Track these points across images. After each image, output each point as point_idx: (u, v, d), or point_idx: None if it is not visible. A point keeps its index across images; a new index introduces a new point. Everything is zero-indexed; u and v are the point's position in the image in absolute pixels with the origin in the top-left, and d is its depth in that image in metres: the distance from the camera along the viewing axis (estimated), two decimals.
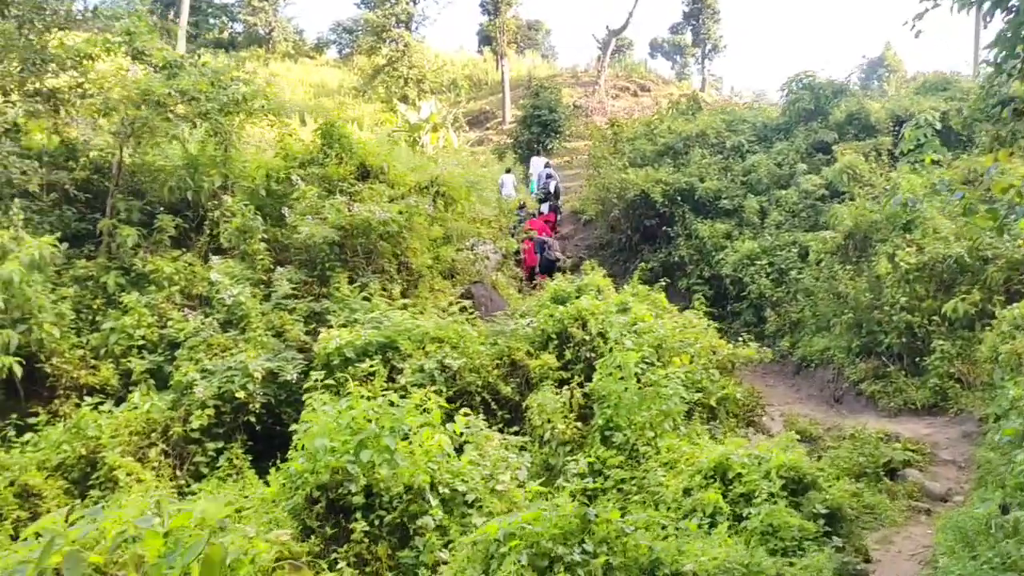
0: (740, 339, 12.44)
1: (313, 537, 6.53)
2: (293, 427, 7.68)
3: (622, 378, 9.39)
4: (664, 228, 18.14)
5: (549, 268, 17.49)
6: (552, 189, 20.46)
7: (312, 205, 12.67)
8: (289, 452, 7.46)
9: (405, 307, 12.78)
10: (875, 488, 9.67)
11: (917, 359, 12.10)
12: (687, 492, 7.75)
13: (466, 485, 7.05)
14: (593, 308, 11.52)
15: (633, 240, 19.09)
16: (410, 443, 7.64)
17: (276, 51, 39.98)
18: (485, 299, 14.57)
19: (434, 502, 6.57)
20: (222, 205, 12.63)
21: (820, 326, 14.31)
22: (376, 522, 6.72)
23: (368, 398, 7.72)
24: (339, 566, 6.34)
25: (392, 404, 7.42)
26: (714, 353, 12.32)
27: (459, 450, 8.85)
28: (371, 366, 10.66)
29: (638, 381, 9.41)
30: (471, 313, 12.86)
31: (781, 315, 15.20)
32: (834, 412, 12.65)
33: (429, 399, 10.33)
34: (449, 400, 10.79)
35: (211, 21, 42.06)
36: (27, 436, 9.57)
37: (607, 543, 5.02)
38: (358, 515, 6.67)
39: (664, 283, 15.09)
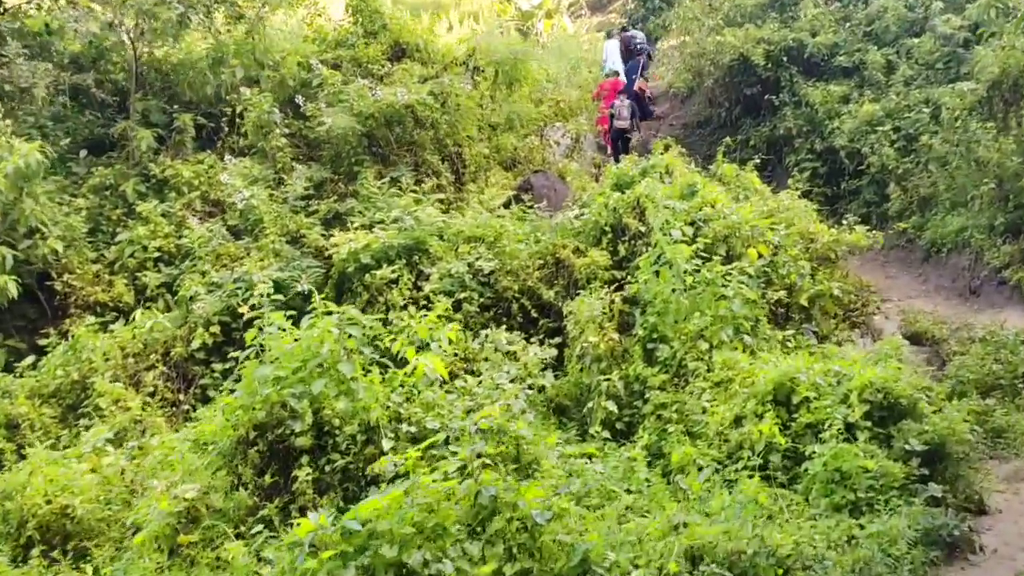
0: (844, 222, 10.23)
1: (243, 489, 5.39)
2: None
3: (672, 277, 7.64)
4: (768, 97, 15.55)
5: (621, 141, 15.43)
6: (642, 63, 18.12)
7: (336, 92, 11.26)
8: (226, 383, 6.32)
9: (443, 202, 11.47)
10: (1011, 406, 7.59)
11: None
12: (737, 422, 6.07)
13: (441, 420, 5.68)
14: (654, 194, 9.68)
15: (733, 114, 16.59)
16: (385, 370, 6.33)
17: None
18: (547, 190, 12.89)
19: (386, 445, 5.24)
20: (243, 99, 11.44)
21: (956, 201, 11.74)
22: (326, 468, 5.50)
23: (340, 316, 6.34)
24: (275, 523, 5.19)
25: (352, 322, 6.03)
26: (812, 241, 10.30)
27: (472, 374, 7.54)
28: (393, 271, 9.45)
29: (691, 280, 7.63)
30: (529, 206, 11.35)
31: (908, 190, 12.66)
32: (968, 307, 10.35)
33: (458, 308, 9.14)
34: (484, 308, 9.48)
35: None
36: (28, 361, 9.06)
37: (505, 540, 3.51)
38: (304, 460, 5.46)
39: (759, 161, 12.88)
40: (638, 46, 18.33)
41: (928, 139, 12.37)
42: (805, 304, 9.15)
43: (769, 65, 15.48)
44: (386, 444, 5.28)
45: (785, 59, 15.44)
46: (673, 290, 7.57)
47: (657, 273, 7.75)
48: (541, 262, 9.70)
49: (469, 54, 12.73)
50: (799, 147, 14.98)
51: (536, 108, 14.74)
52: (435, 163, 12.15)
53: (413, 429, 5.59)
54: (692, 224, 9.11)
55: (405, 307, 9.08)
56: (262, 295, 6.82)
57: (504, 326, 8.93)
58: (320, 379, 5.63)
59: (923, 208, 12.46)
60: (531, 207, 11.18)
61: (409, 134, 11.63)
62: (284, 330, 6.07)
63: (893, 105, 13.46)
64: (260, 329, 6.15)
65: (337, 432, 5.57)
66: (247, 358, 6.15)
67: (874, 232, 10.19)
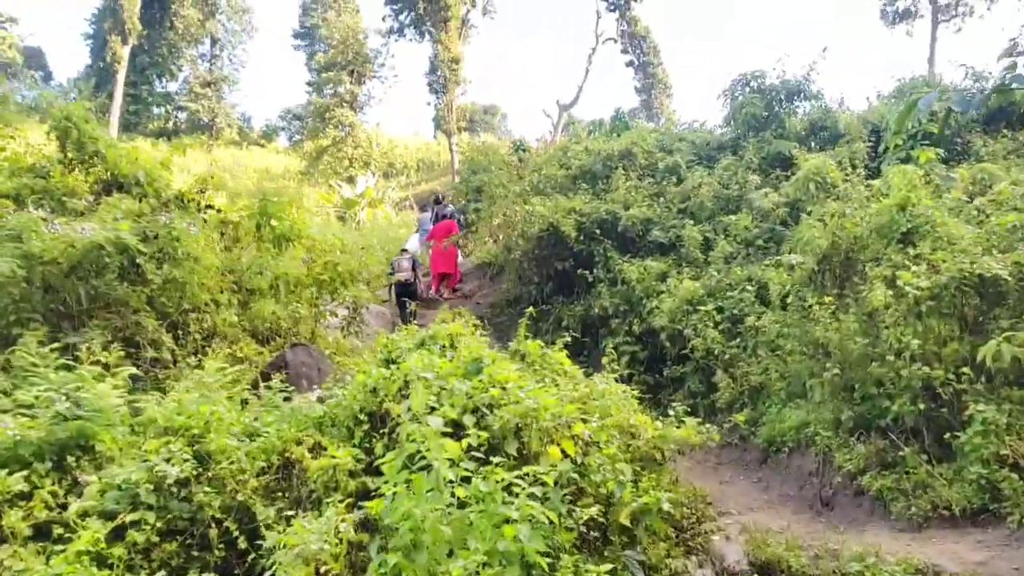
0: (671, 413, 8.22)
1: None
2: None
3: (430, 491, 5.06)
4: (582, 272, 14.06)
5: (406, 298, 13.92)
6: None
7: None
8: None
9: (153, 380, 8.60)
10: None
11: (945, 435, 7.97)
12: None
13: None
14: (428, 369, 7.32)
15: (545, 291, 14.96)
16: None
17: (220, 138, 40.18)
18: (308, 368, 10.30)
19: None
20: None
21: (792, 392, 10.18)
22: None
23: None
24: None
25: None
26: (633, 436, 8.21)
27: None
28: (28, 479, 6.32)
29: (461, 495, 5.10)
30: (283, 388, 8.66)
31: (737, 379, 11.05)
32: (824, 523, 8.37)
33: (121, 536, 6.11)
34: (167, 535, 6.45)
35: (155, 110, 42.02)
36: None
37: None
38: None
39: (571, 341, 11.04)
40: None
41: (754, 320, 10.98)
42: (627, 523, 6.82)
43: (581, 238, 14.14)
44: None
45: (598, 232, 14.16)
46: (433, 510, 4.97)
47: (409, 484, 5.15)
48: (264, 465, 6.90)
49: (200, 188, 10.22)
50: (616, 328, 13.38)
51: (307, 272, 12.39)
52: (151, 330, 9.27)
53: None
54: (475, 412, 6.73)
55: (34, 538, 5.98)
56: None
57: (194, 569, 6.00)
58: None
59: (755, 399, 10.84)
60: (285, 389, 8.53)
61: (112, 289, 8.77)
62: None
63: (714, 283, 12.17)
64: None
65: None
66: None
67: (708, 427, 8.22)
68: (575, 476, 6.37)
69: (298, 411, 7.27)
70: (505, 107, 67.89)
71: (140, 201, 9.00)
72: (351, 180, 33.34)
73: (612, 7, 49.79)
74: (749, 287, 11.65)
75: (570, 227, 13.94)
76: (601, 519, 6.73)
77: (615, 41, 51.58)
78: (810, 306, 9.48)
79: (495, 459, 5.45)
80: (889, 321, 8.62)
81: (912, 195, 9.27)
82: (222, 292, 11.25)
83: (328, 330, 12.61)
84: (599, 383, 8.72)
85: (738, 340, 11.42)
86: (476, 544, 4.86)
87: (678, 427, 8.24)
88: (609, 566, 5.86)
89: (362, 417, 7.17)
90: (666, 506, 6.84)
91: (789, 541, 7.57)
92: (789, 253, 10.67)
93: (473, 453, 5.54)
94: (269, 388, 8.45)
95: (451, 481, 5.17)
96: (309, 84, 41.75)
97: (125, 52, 37.41)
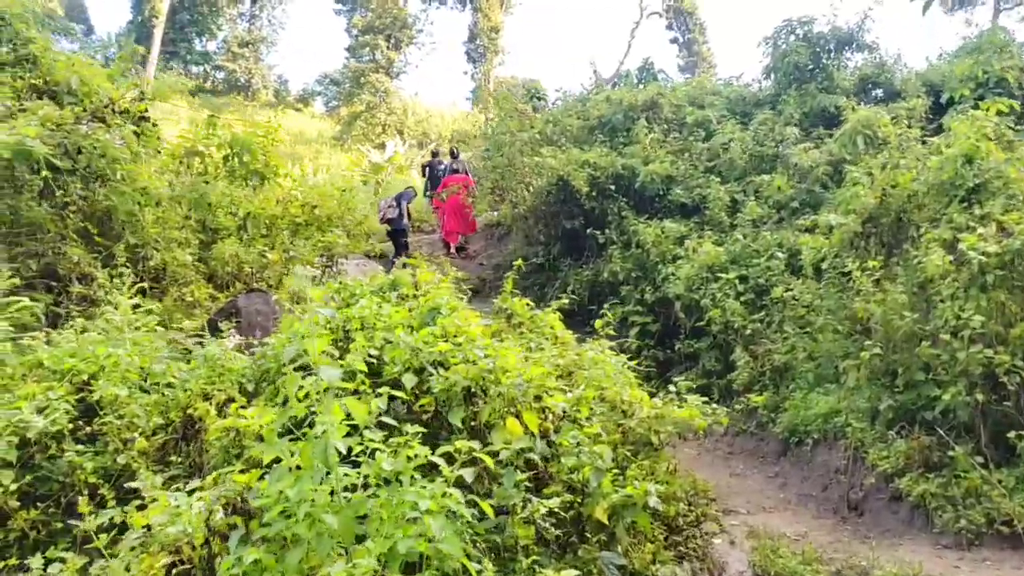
0: (672, 390, 6.89)
1: None
2: None
3: (316, 469, 3.77)
4: (592, 232, 12.67)
5: (394, 236, 13.16)
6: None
7: None
8: None
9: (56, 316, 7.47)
10: None
11: (1007, 433, 6.54)
12: None
13: None
14: (370, 319, 6.08)
15: (552, 252, 13.60)
16: None
17: (257, 99, 39.76)
18: (262, 317, 9.04)
19: None
20: None
21: (822, 375, 8.79)
22: None
23: None
24: None
25: None
26: (625, 414, 6.96)
27: None
28: None
29: (355, 477, 3.81)
30: (226, 333, 7.53)
31: (758, 357, 9.65)
32: (849, 531, 7.01)
33: None
34: (26, 501, 5.31)
35: (192, 69, 41.67)
36: None
37: None
38: None
39: (572, 307, 9.81)
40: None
41: (782, 291, 9.54)
42: (604, 520, 5.54)
43: (594, 194, 12.73)
44: None
45: (613, 188, 12.74)
46: (315, 494, 3.69)
47: (294, 454, 3.87)
48: (162, 423, 5.71)
49: (138, 98, 8.95)
50: (626, 295, 12.00)
51: (281, 214, 11.17)
52: (79, 263, 8.11)
53: None
54: (420, 371, 5.46)
55: None
56: None
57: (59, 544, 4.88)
58: None
59: (778, 381, 9.44)
60: (225, 334, 7.40)
61: (27, 209, 7.57)
62: None
63: (739, 249, 10.73)
64: None
65: None
66: None
67: (715, 408, 6.87)
68: (539, 458, 5.05)
69: (212, 359, 6.02)
70: (545, 81, 66.19)
71: (62, 108, 7.78)
72: (382, 147, 32.63)
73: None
74: (779, 254, 10.21)
75: (582, 181, 12.54)
76: (573, 513, 5.50)
77: (660, 15, 49.71)
78: (849, 274, 8.02)
79: (412, 430, 4.13)
80: (945, 293, 7.17)
81: (981, 146, 7.76)
82: (180, 228, 10.10)
83: (304, 280, 11.40)
84: (589, 351, 7.45)
85: (762, 313, 10.01)
86: (372, 542, 3.59)
87: (680, 406, 6.94)
88: (573, 572, 4.53)
89: (288, 371, 5.92)
90: (654, 501, 5.52)
91: (806, 551, 6.23)
92: (829, 215, 9.18)
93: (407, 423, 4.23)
94: (199, 335, 7.25)
95: (349, 456, 3.89)
96: (347, 49, 40.89)
97: (164, 7, 37.41)
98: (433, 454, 4.05)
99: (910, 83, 12.73)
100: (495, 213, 16.12)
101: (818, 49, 13.42)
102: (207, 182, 10.82)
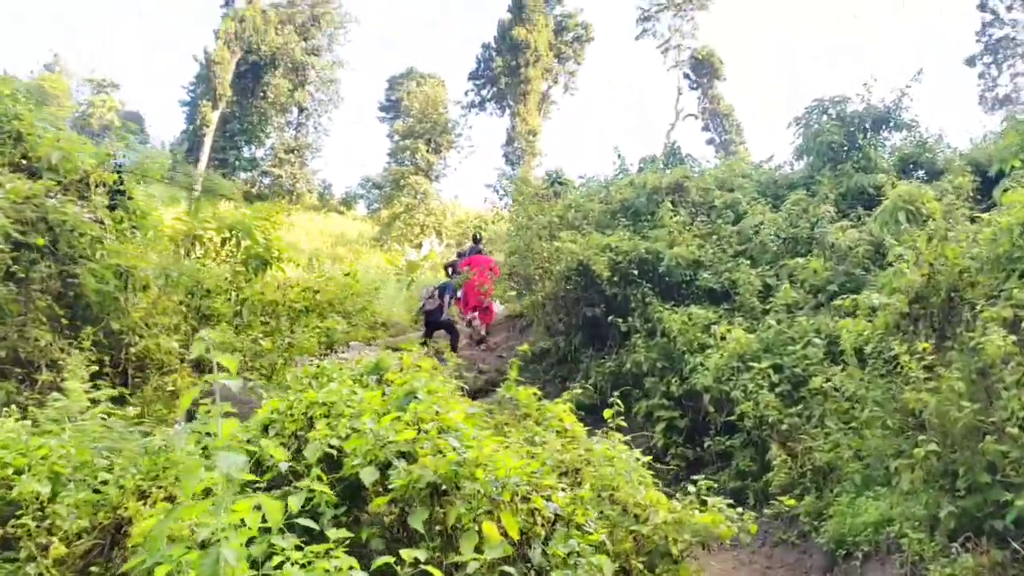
0: (687, 492, 5.97)
1: None
2: None
3: None
4: (614, 320, 11.88)
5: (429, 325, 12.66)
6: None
7: None
8: None
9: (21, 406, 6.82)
10: None
11: None
12: None
13: None
14: (338, 406, 5.33)
15: (573, 343, 12.80)
16: None
17: (301, 203, 41.41)
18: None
19: None
20: None
21: (871, 475, 7.74)
22: None
23: None
24: None
25: None
26: (637, 519, 6.08)
27: None
28: None
29: None
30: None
31: (797, 456, 8.62)
32: None
33: None
34: None
35: (241, 175, 43.62)
36: None
37: None
38: None
39: (586, 398, 9.02)
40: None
41: (821, 381, 8.58)
42: None
43: (616, 280, 11.99)
44: None
45: (636, 273, 12.00)
46: None
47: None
48: (89, 525, 4.95)
49: (116, 170, 8.52)
50: (651, 388, 11.10)
51: (281, 297, 10.60)
52: (46, 348, 7.53)
53: None
54: (387, 466, 4.65)
55: None
56: None
57: None
58: None
59: (820, 484, 8.38)
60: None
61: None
62: None
63: (772, 335, 9.84)
64: None
65: None
66: None
67: (742, 513, 5.90)
68: (511, 572, 4.14)
69: (153, 451, 5.28)
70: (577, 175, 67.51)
71: (33, 180, 7.36)
72: (419, 247, 33.42)
73: (694, 85, 49.12)
74: (817, 339, 9.29)
75: (603, 266, 11.84)
76: None
77: (696, 117, 50.19)
78: (896, 360, 7.09)
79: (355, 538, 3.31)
80: (1009, 380, 6.21)
81: None
82: (170, 314, 9.57)
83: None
84: (597, 445, 6.60)
85: (800, 407, 9.02)
86: None
87: (700, 511, 6.01)
88: None
89: (181, 459, 5.15)
90: None
91: None
92: (871, 296, 8.30)
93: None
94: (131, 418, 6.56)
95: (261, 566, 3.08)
96: (389, 154, 42.44)
97: (214, 116, 39.62)
98: (369, 568, 3.22)
99: (954, 162, 11.96)
100: (518, 304, 15.49)
101: (852, 128, 12.79)
102: (202, 266, 10.37)
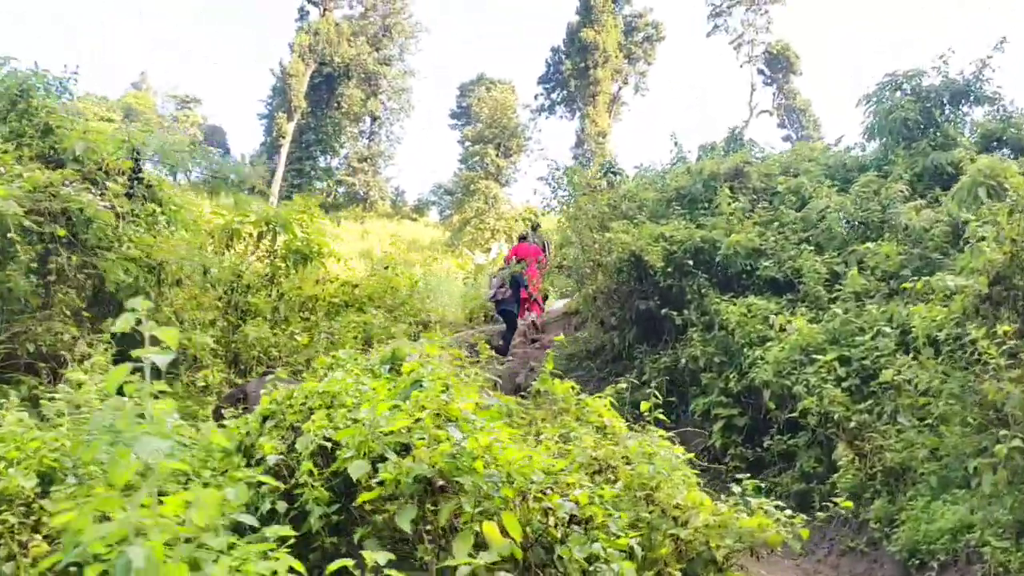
0: (734, 492, 5.39)
1: None
2: None
3: None
4: (668, 313, 11.25)
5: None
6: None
7: None
8: None
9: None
10: None
11: None
12: None
13: None
14: (340, 395, 4.96)
15: (627, 338, 12.20)
16: None
17: (375, 210, 42.60)
18: None
19: None
20: None
21: (949, 477, 6.97)
22: None
23: None
24: None
25: None
26: (676, 521, 5.57)
27: None
28: None
29: None
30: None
31: (866, 456, 7.87)
32: None
33: None
34: None
35: (317, 184, 44.72)
36: None
37: None
38: None
39: (652, 401, 8.41)
40: (537, 241, 15.63)
41: (892, 374, 7.81)
42: None
43: (670, 270, 11.36)
44: None
45: (691, 263, 11.34)
46: None
47: None
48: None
49: (134, 156, 8.32)
50: (708, 384, 10.44)
51: (321, 291, 10.36)
52: (72, 341, 7.39)
53: None
54: (382, 459, 4.22)
55: None
56: None
57: None
58: None
59: (892, 486, 7.62)
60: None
61: (11, 283, 6.91)
62: None
63: (839, 325, 9.08)
64: None
65: None
66: None
67: (793, 517, 5.27)
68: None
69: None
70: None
71: (52, 169, 7.22)
72: (489, 251, 33.75)
73: (768, 80, 47.77)
74: (888, 329, 8.51)
75: (656, 257, 11.23)
76: None
77: (770, 114, 48.66)
78: (975, 345, 6.32)
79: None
80: None
81: None
82: (205, 309, 9.41)
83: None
84: (631, 439, 6.07)
85: (869, 402, 8.26)
86: None
87: (747, 515, 5.43)
88: None
89: (238, 459, 4.81)
90: None
91: None
92: (946, 278, 7.51)
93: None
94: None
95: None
96: (460, 160, 42.97)
97: (290, 128, 40.78)
98: (322, 572, 2.79)
99: None
100: (573, 298, 14.97)
101: (929, 104, 11.84)
102: (241, 261, 10.19)
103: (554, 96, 46.02)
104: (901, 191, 10.41)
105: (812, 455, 8.95)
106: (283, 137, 40.80)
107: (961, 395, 6.90)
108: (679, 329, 11.30)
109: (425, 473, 3.83)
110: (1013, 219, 6.61)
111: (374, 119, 47.54)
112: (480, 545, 3.88)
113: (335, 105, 44.19)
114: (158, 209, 8.78)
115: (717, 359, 10.55)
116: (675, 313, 11.19)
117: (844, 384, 8.58)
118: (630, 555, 4.57)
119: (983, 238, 7.34)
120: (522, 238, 16.15)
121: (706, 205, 12.50)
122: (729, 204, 11.79)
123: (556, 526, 4.34)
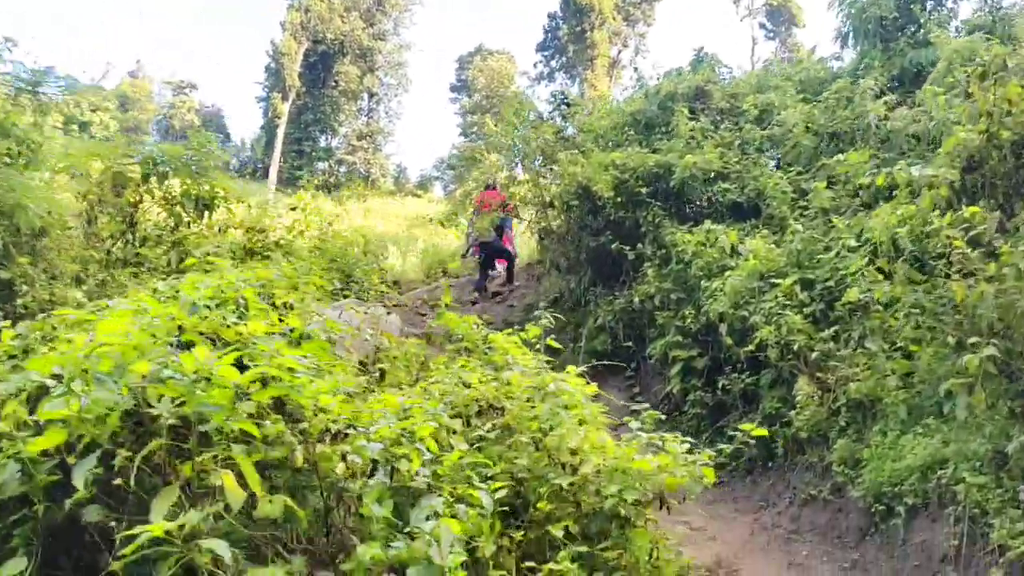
0: (657, 424, 4.31)
1: None
2: None
3: None
4: (620, 248, 10.11)
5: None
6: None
7: None
8: None
9: None
10: None
11: None
12: None
13: None
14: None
15: (583, 280, 11.08)
16: None
17: (377, 188, 41.53)
18: None
19: None
20: None
21: (921, 405, 5.88)
22: None
23: None
24: None
25: None
26: (566, 469, 4.52)
27: None
28: None
29: None
30: None
31: (830, 389, 6.77)
32: None
33: None
34: None
35: (318, 165, 44.13)
36: None
37: None
38: None
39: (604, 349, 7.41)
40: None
41: (857, 293, 6.67)
42: None
43: (622, 200, 10.21)
44: None
45: (644, 192, 10.17)
46: None
47: None
48: None
49: None
50: (665, 324, 9.32)
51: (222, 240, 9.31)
52: None
53: None
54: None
55: None
56: None
57: None
58: None
59: (859, 423, 6.51)
60: None
61: None
62: None
63: (802, 246, 7.93)
64: None
65: None
66: None
67: (698, 453, 4.17)
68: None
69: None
70: None
71: None
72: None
73: (771, 34, 46.26)
74: (854, 242, 7.36)
75: (605, 186, 10.07)
76: None
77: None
78: (939, 234, 5.17)
79: None
80: None
81: None
82: (77, 261, 8.37)
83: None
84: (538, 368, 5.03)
85: (835, 329, 7.13)
86: None
87: (658, 452, 4.39)
88: None
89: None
90: None
91: None
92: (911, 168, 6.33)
93: None
94: None
95: None
96: (461, 134, 42.20)
97: (285, 108, 40.34)
98: None
99: None
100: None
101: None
102: (132, 207, 9.12)
103: (553, 63, 45.19)
104: (871, 89, 9.17)
105: (776, 395, 7.83)
106: (279, 118, 39.79)
107: (934, 308, 5.77)
108: (635, 266, 10.18)
109: (119, 405, 2.74)
110: (986, 86, 5.42)
111: (371, 96, 46.61)
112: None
113: (332, 83, 43.29)
114: (14, 147, 7.71)
115: (674, 296, 9.42)
116: (628, 248, 10.05)
117: (806, 310, 7.46)
118: (475, 511, 3.51)
119: (958, 122, 6.18)
120: (489, 186, 15.05)
121: (664, 129, 11.29)
122: (687, 125, 10.58)
123: (355, 475, 3.27)
